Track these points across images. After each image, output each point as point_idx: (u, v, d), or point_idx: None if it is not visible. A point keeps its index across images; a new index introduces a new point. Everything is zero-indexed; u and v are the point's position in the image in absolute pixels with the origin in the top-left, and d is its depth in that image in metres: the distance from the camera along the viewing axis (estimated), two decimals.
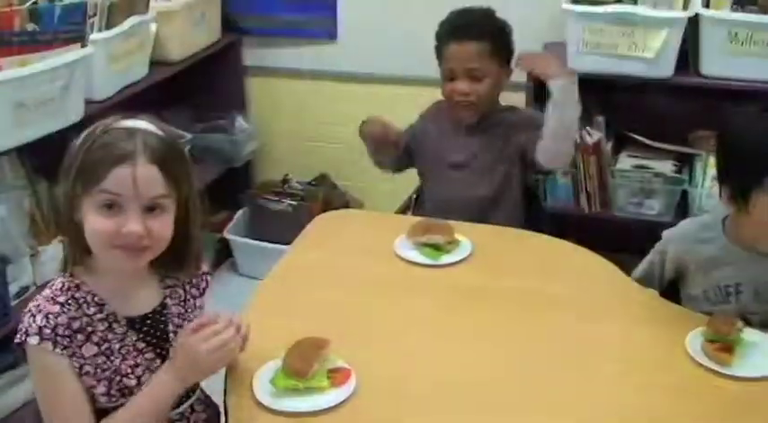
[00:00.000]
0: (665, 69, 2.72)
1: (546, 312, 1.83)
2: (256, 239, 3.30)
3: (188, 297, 1.61)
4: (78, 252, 1.45)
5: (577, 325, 1.78)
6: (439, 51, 2.38)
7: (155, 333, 1.53)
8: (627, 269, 2.01)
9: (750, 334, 1.68)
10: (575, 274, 1.99)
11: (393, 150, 2.40)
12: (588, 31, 2.70)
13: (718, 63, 2.70)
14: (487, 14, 2.39)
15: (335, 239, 2.16)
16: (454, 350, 1.71)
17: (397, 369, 1.65)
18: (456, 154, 2.41)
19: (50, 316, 1.42)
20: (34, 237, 2.60)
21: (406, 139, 2.44)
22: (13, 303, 2.48)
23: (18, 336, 1.42)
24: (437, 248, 2.04)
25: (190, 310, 1.60)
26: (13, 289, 2.48)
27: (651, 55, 2.68)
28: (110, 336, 1.47)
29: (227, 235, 3.36)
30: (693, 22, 2.68)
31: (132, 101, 2.79)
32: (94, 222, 1.40)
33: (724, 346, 1.63)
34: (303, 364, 1.53)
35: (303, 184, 3.42)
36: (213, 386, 1.64)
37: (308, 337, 1.60)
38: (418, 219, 2.14)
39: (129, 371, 1.48)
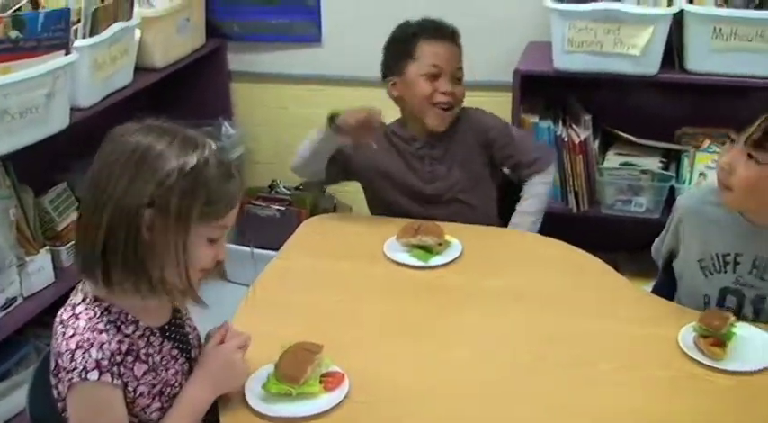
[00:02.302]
0: (651, 66, 2.72)
1: (537, 312, 1.83)
2: (244, 246, 3.28)
3: None
4: (123, 275, 1.40)
5: (569, 323, 1.78)
6: (412, 49, 2.27)
7: (180, 338, 1.54)
8: (618, 267, 2.01)
9: (742, 328, 1.68)
10: (566, 272, 1.99)
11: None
12: (573, 29, 2.69)
13: (702, 59, 2.70)
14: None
15: (324, 243, 2.15)
16: (445, 352, 1.70)
17: (389, 372, 1.64)
18: (429, 185, 2.33)
19: (104, 346, 1.38)
20: (21, 247, 2.58)
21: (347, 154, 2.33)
22: (1, 315, 2.45)
23: (74, 375, 1.36)
24: (427, 250, 2.04)
25: (186, 310, 1.61)
26: (0, 300, 2.46)
27: (636, 52, 2.68)
28: (150, 350, 1.47)
29: None
30: (678, 19, 2.68)
31: (117, 108, 2.78)
32: (206, 251, 1.44)
33: (717, 340, 1.63)
34: (296, 369, 1.52)
35: (291, 190, 3.41)
36: None
37: (300, 341, 1.59)
38: (408, 220, 2.13)
39: (174, 380, 1.49)
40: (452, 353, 1.70)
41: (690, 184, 2.79)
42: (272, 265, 2.03)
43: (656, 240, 2.04)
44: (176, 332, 1.54)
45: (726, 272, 1.82)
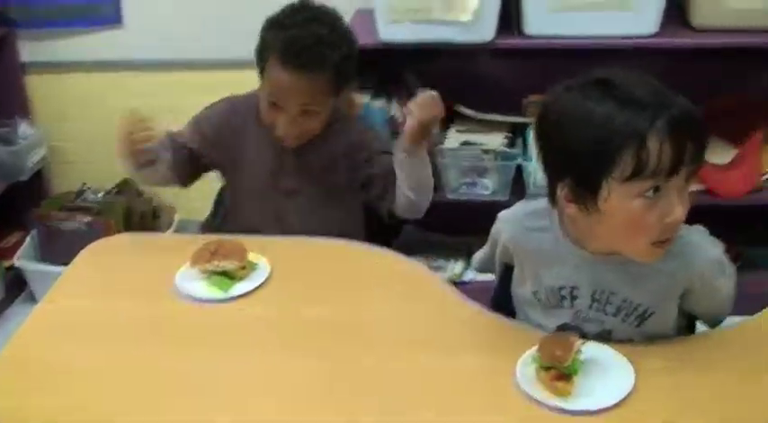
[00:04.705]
0: (485, 32, 2.44)
1: (358, 347, 1.52)
2: (52, 264, 2.84)
3: None
4: None
5: (393, 360, 1.48)
6: (264, 62, 1.88)
7: None
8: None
9: (591, 349, 1.41)
10: (390, 291, 1.68)
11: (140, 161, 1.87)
12: None
13: (541, 21, 2.45)
14: (335, 27, 1.90)
15: (105, 276, 1.77)
16: (243, 409, 1.37)
17: None
18: (287, 177, 2.02)
19: None
20: None
21: (189, 141, 2.02)
22: None
23: None
24: (228, 276, 1.70)
25: None
26: None
27: (468, 17, 2.39)
28: None
29: (17, 262, 2.90)
30: None
31: None
32: None
33: (561, 373, 1.35)
34: None
35: (102, 194, 2.98)
36: None
37: None
38: (204, 240, 1.77)
39: None
40: (253, 409, 1.37)
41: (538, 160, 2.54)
42: (35, 312, 1.65)
43: (478, 253, 1.75)
44: None
45: (563, 307, 1.53)
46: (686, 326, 1.62)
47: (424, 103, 1.83)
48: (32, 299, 2.92)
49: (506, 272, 1.65)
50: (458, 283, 2.71)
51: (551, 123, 1.39)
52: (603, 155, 1.29)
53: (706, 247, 1.47)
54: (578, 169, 1.34)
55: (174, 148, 1.97)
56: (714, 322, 1.58)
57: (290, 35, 1.84)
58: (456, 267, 2.81)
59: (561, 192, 1.39)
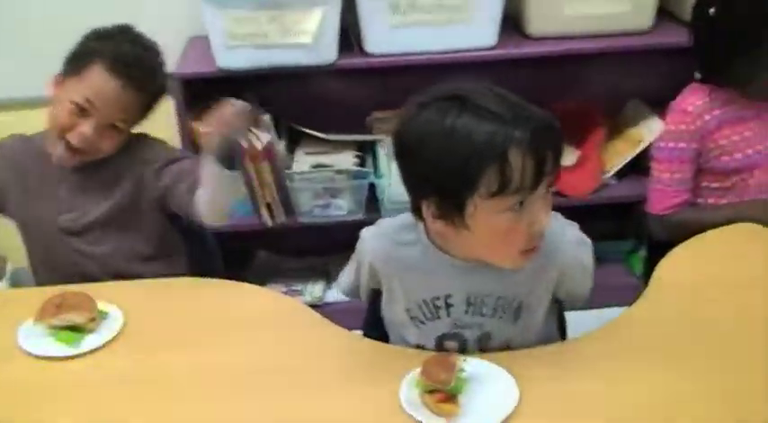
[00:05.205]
0: (327, 53, 2.40)
1: (219, 391, 1.42)
2: None
3: None
4: None
5: (261, 400, 1.39)
6: (82, 65, 1.78)
7: None
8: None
9: (471, 365, 1.38)
10: (253, 327, 1.58)
11: None
12: (231, 21, 2.31)
13: (382, 39, 2.44)
14: (160, 60, 1.88)
15: None
16: None
17: None
18: (68, 214, 1.91)
19: None
20: None
21: None
22: None
23: None
24: (77, 329, 1.56)
25: None
26: None
27: (308, 40, 2.35)
28: None
29: None
30: None
31: None
32: None
33: (446, 395, 1.31)
34: None
35: None
36: None
37: None
38: (47, 294, 1.62)
39: None
40: None
41: (390, 178, 2.51)
42: None
43: (343, 277, 1.68)
44: None
45: (440, 317, 1.50)
46: (557, 318, 1.65)
47: (222, 114, 1.78)
48: None
49: (375, 298, 1.60)
50: (320, 306, 2.65)
51: (410, 142, 1.34)
52: (467, 172, 1.26)
53: (567, 231, 1.50)
54: (442, 187, 1.31)
55: None
56: (582, 300, 1.60)
57: (123, 48, 1.80)
58: (315, 290, 2.75)
59: (427, 209, 1.36)
